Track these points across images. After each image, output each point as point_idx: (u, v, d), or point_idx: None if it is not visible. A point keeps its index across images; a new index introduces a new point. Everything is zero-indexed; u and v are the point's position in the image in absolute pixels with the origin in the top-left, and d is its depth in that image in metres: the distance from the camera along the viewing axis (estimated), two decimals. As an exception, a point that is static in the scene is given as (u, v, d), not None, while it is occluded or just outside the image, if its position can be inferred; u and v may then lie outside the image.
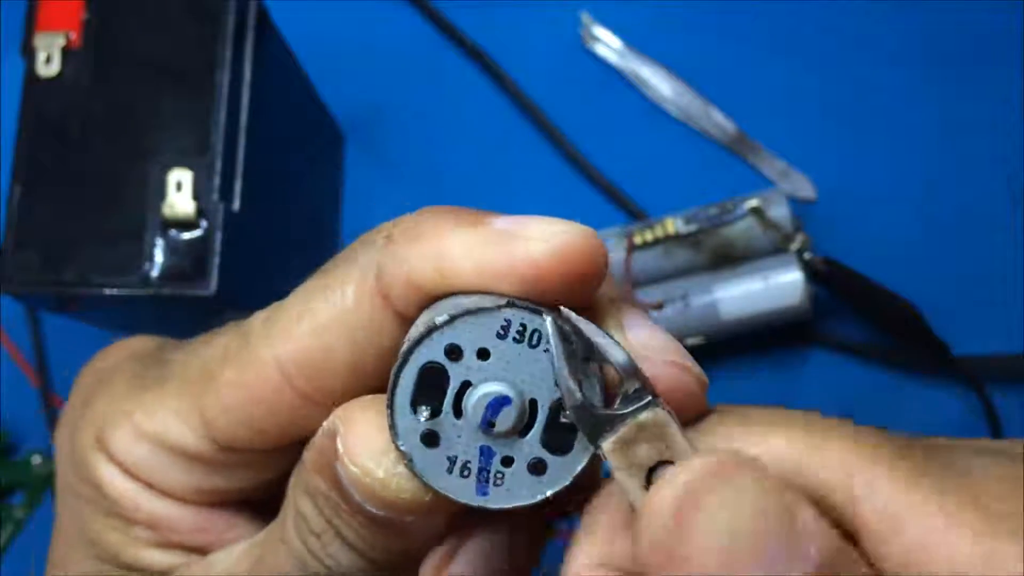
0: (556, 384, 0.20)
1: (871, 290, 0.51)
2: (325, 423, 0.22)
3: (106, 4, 0.43)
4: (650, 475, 0.19)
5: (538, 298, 0.21)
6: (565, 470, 0.21)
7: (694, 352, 0.22)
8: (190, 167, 0.41)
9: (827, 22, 0.58)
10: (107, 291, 0.41)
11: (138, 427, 0.26)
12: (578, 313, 0.20)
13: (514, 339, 0.21)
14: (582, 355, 0.20)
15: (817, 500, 0.19)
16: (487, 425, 0.21)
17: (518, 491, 0.21)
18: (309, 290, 0.24)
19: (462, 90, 0.59)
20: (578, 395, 0.20)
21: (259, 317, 0.24)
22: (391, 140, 0.59)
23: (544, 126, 0.57)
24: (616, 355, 0.20)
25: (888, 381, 0.53)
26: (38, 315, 0.56)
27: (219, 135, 0.42)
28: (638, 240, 0.52)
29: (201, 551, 0.26)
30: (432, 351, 0.21)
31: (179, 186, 0.41)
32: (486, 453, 0.21)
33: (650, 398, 0.20)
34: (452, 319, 0.20)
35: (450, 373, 0.21)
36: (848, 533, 0.19)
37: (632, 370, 0.20)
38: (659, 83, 0.58)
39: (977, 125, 0.55)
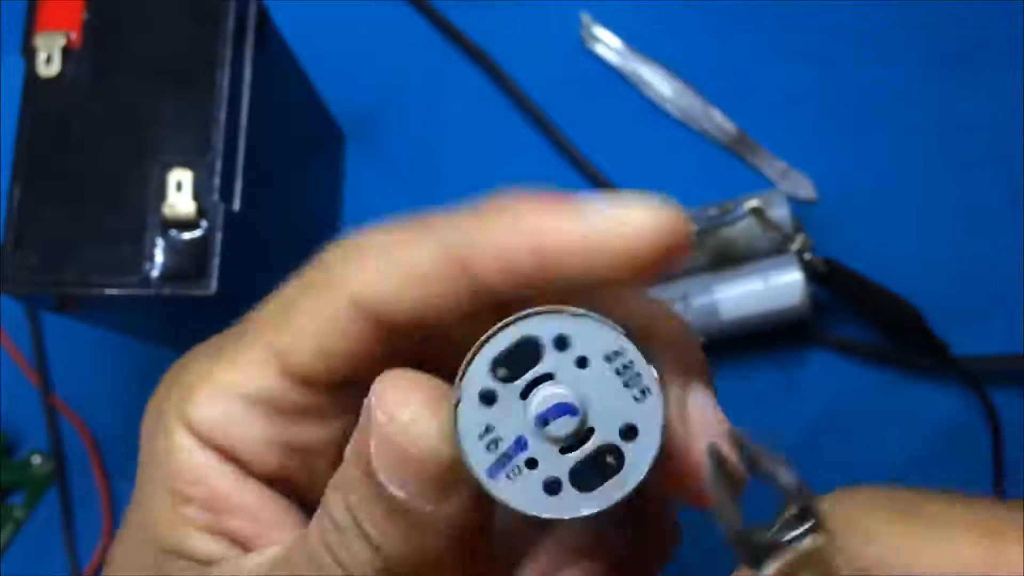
0: (715, 511, 0.20)
1: (871, 290, 0.51)
2: (365, 400, 0.22)
3: (106, 4, 0.43)
4: None
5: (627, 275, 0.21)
6: (572, 507, 0.21)
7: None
8: (190, 167, 0.41)
9: (827, 22, 0.58)
10: (107, 291, 0.41)
11: (216, 384, 0.26)
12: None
13: (616, 370, 0.21)
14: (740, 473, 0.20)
15: None
16: (541, 422, 0.21)
17: (521, 495, 0.21)
18: (393, 231, 0.24)
19: (462, 90, 0.59)
20: (736, 521, 0.19)
21: (338, 247, 0.25)
22: (391, 140, 0.59)
23: (544, 126, 0.57)
24: (786, 479, 0.19)
25: (888, 381, 0.53)
26: (38, 315, 0.56)
27: (219, 135, 0.42)
28: (638, 240, 0.52)
29: (246, 545, 0.26)
30: (547, 328, 0.21)
31: (179, 186, 0.41)
32: (520, 444, 0.21)
33: (814, 522, 0.19)
34: (586, 314, 0.20)
35: (544, 356, 0.21)
36: None
37: (800, 494, 0.19)
38: (659, 83, 0.58)
39: (977, 125, 0.55)
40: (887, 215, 0.55)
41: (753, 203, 0.51)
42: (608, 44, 0.58)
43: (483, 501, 0.21)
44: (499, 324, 0.21)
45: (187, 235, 0.41)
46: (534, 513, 0.21)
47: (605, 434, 0.21)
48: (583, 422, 0.21)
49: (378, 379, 0.22)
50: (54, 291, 0.41)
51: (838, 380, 0.53)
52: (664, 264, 0.21)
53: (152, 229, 0.41)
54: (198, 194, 0.41)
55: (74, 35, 0.43)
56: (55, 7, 0.43)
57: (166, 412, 0.27)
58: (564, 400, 0.21)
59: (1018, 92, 0.55)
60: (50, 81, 0.42)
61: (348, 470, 0.23)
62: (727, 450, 0.20)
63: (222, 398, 0.26)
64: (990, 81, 0.56)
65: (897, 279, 0.52)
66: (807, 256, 0.51)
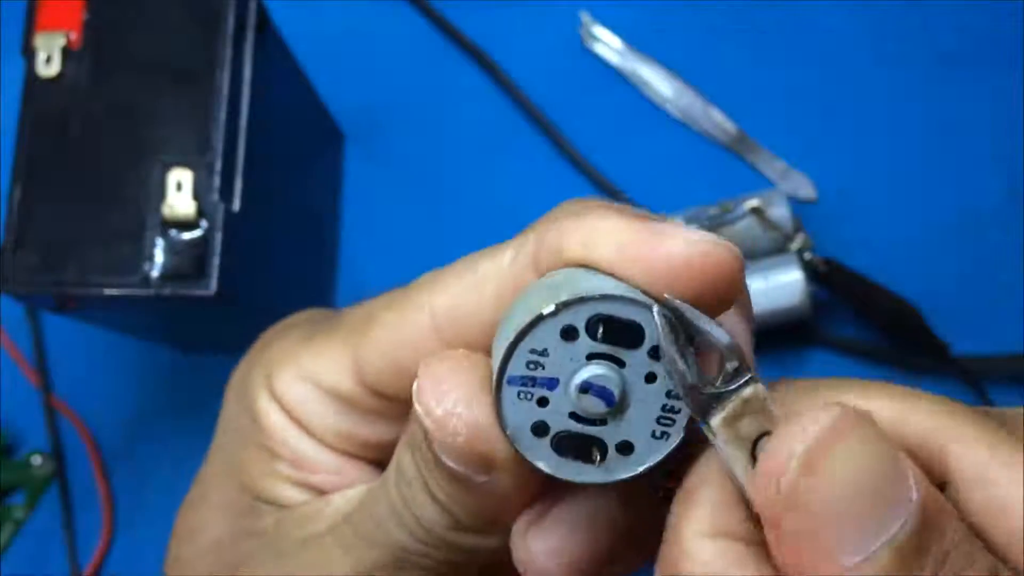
0: (664, 368, 0.22)
1: (871, 290, 0.51)
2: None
3: (106, 4, 0.43)
4: (754, 446, 0.21)
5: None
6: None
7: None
8: (190, 167, 0.41)
9: (827, 22, 0.58)
10: (107, 291, 0.41)
11: (301, 369, 0.28)
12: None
13: (664, 406, 0.22)
14: (683, 339, 0.21)
15: (911, 454, 0.21)
16: (582, 387, 0.22)
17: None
18: (477, 254, 0.25)
19: (462, 90, 0.59)
20: (688, 377, 0.21)
21: (426, 274, 0.26)
22: (391, 140, 0.59)
23: (544, 126, 0.57)
24: (720, 336, 0.21)
25: (889, 381, 0.53)
26: (38, 315, 0.56)
27: (219, 135, 0.42)
28: (638, 240, 0.52)
29: (329, 494, 0.28)
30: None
31: (179, 186, 0.41)
32: (552, 384, 0.22)
33: (750, 375, 0.21)
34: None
35: (635, 343, 0.22)
36: (938, 484, 0.21)
37: (735, 350, 0.21)
38: (659, 83, 0.58)
39: (977, 125, 0.55)
40: (887, 215, 0.55)
41: (753, 203, 0.51)
42: (608, 44, 0.58)
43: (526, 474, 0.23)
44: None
45: (187, 235, 0.41)
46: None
47: (610, 434, 0.22)
48: (607, 415, 0.22)
49: (421, 364, 0.23)
50: (54, 291, 0.41)
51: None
52: (700, 291, 0.22)
53: (152, 229, 0.41)
54: (198, 194, 0.41)
55: (74, 35, 0.43)
56: (55, 7, 0.43)
57: (255, 378, 0.29)
58: (612, 390, 0.22)
59: (1018, 92, 0.55)
60: (50, 81, 0.42)
61: (415, 430, 0.24)
62: (677, 310, 0.21)
63: (305, 383, 0.28)
64: (990, 81, 0.56)
65: (897, 279, 0.52)
66: (807, 256, 0.51)
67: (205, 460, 0.31)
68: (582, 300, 0.21)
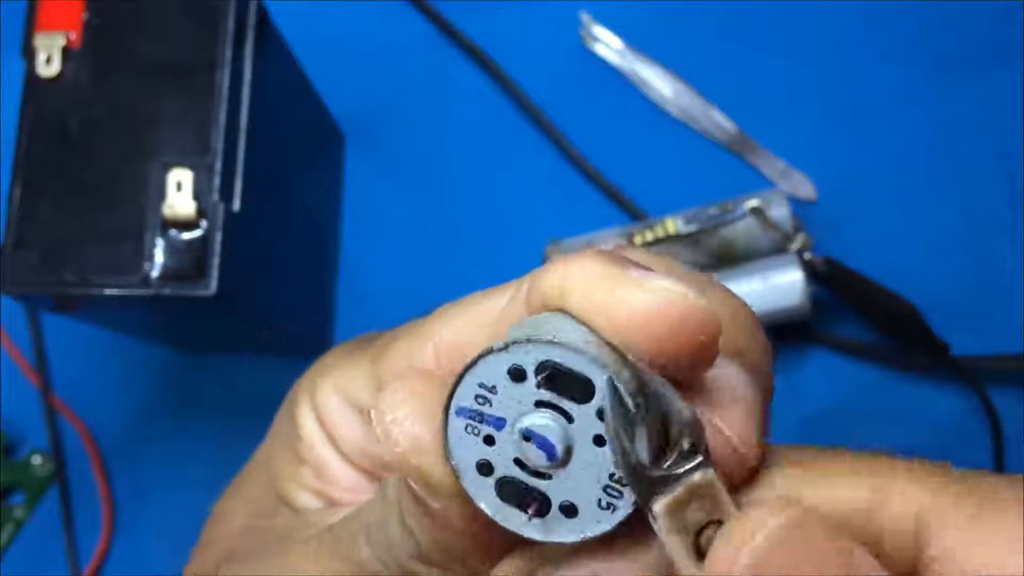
0: (611, 445, 0.20)
1: (871, 290, 0.51)
2: None
3: (106, 4, 0.43)
4: (698, 535, 0.19)
5: (623, 349, 0.21)
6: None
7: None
8: (190, 167, 0.41)
9: (827, 22, 0.58)
10: (107, 291, 0.41)
11: (336, 381, 0.29)
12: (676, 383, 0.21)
13: (611, 475, 0.20)
14: (639, 407, 0.20)
15: (882, 541, 0.21)
16: (524, 434, 0.21)
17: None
18: (487, 290, 0.25)
19: (462, 90, 0.59)
20: (632, 456, 0.19)
21: (443, 305, 0.27)
22: (391, 140, 0.59)
23: (544, 126, 0.57)
24: (682, 412, 0.20)
25: (888, 381, 0.53)
26: (38, 315, 0.56)
27: (219, 135, 0.42)
28: (638, 240, 0.52)
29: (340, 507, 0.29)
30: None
31: (179, 186, 0.41)
32: (499, 424, 0.21)
33: (701, 459, 0.19)
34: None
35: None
36: (907, 572, 0.21)
37: (694, 428, 0.19)
38: (659, 83, 0.58)
39: (977, 125, 0.55)
40: (887, 215, 0.55)
41: (753, 203, 0.51)
42: (608, 44, 0.58)
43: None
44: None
45: (187, 235, 0.41)
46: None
47: (555, 491, 0.21)
48: (549, 470, 0.21)
49: (380, 393, 0.23)
50: (54, 291, 0.41)
51: (838, 380, 0.53)
52: (664, 350, 0.21)
53: (152, 229, 0.41)
54: (198, 194, 0.41)
55: (74, 35, 0.43)
56: (55, 7, 0.43)
57: (302, 385, 0.30)
58: (554, 443, 0.21)
59: (1018, 92, 0.55)
60: (50, 81, 0.42)
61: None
62: (625, 383, 0.20)
63: (338, 395, 0.29)
64: (990, 81, 0.56)
65: (897, 279, 0.52)
66: (807, 256, 0.51)
67: (252, 454, 0.33)
68: (529, 341, 0.20)
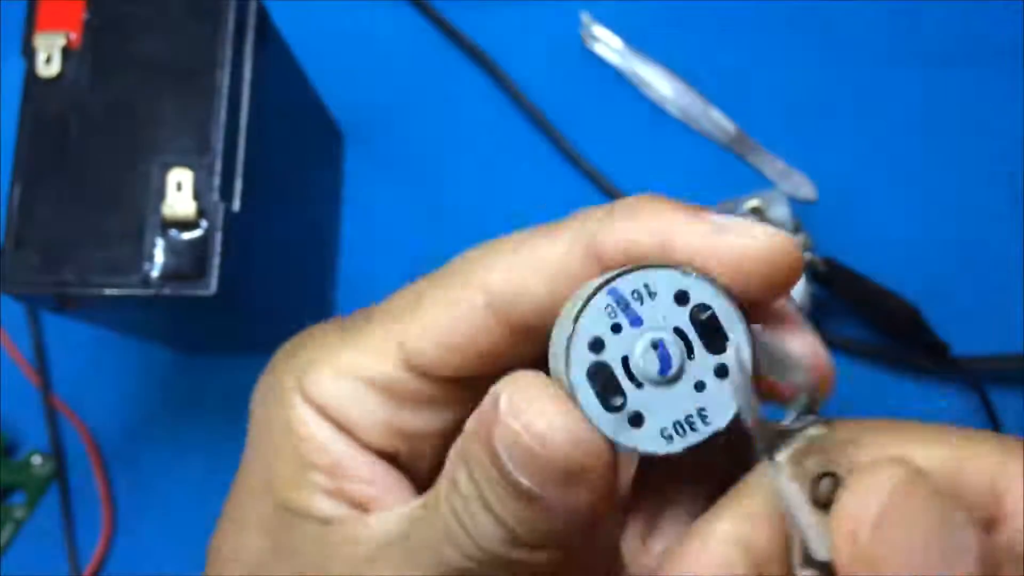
0: (736, 397, 0.22)
1: (871, 290, 0.51)
2: (491, 388, 0.23)
3: (106, 4, 0.43)
4: (814, 485, 0.22)
5: (734, 292, 0.23)
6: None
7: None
8: (190, 167, 0.41)
9: (827, 22, 0.58)
10: (107, 291, 0.41)
11: (339, 366, 0.28)
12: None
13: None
14: (765, 369, 0.22)
15: (964, 499, 0.22)
16: (665, 370, 0.22)
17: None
18: (527, 233, 0.26)
19: (462, 90, 0.59)
20: (759, 412, 0.22)
21: (472, 250, 0.27)
22: (391, 140, 0.59)
23: (544, 126, 0.57)
24: (800, 377, 0.22)
25: (888, 381, 0.53)
26: (38, 315, 0.56)
27: (219, 135, 0.42)
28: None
29: (364, 507, 0.28)
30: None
31: (179, 186, 0.41)
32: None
33: (817, 415, 0.22)
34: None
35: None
36: (987, 529, 0.22)
37: (811, 389, 0.22)
38: (659, 83, 0.58)
39: (977, 125, 0.55)
40: (887, 215, 0.55)
41: (753, 203, 0.51)
42: (608, 44, 0.58)
43: (607, 485, 0.23)
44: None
45: (187, 235, 0.41)
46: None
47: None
48: (650, 383, 0.22)
49: (507, 380, 0.23)
50: (54, 291, 0.41)
51: (838, 380, 0.53)
52: (767, 286, 0.23)
53: (152, 229, 0.41)
54: (198, 194, 0.41)
55: (74, 35, 0.43)
56: (55, 7, 0.43)
57: (285, 384, 0.29)
58: (672, 362, 0.22)
59: (1018, 92, 0.55)
60: (50, 81, 0.42)
61: (471, 446, 0.24)
62: (758, 349, 0.22)
63: (344, 378, 0.28)
64: (990, 81, 0.56)
65: (897, 279, 0.52)
66: (807, 256, 0.51)
67: (235, 479, 0.30)
68: (705, 279, 0.22)
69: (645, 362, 0.22)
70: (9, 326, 0.55)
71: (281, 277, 0.50)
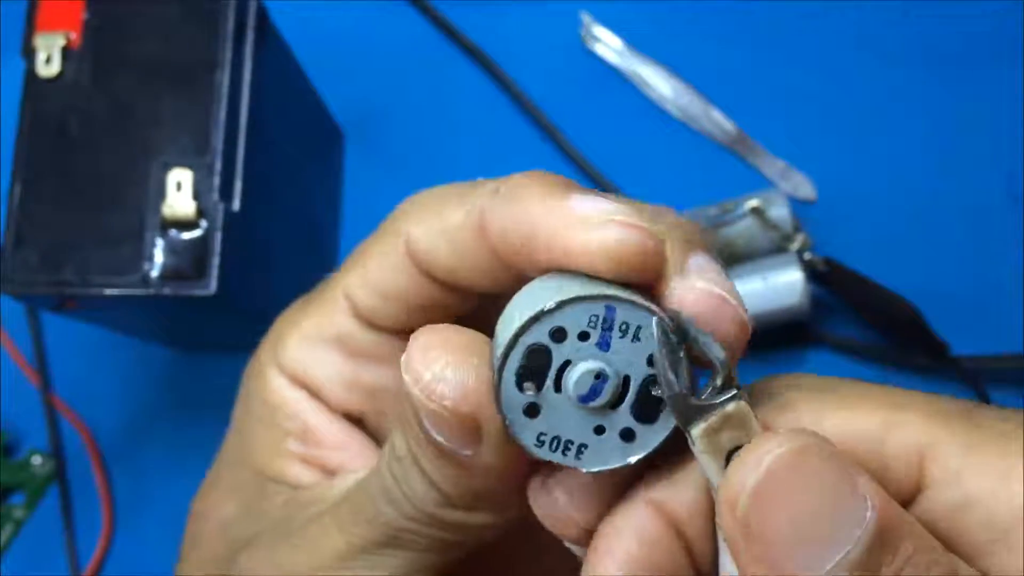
0: (653, 372, 0.22)
1: (871, 290, 0.51)
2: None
3: (106, 4, 0.43)
4: (728, 457, 0.22)
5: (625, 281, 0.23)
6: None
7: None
8: (190, 167, 0.41)
9: (827, 22, 0.58)
10: (107, 291, 0.41)
11: (301, 329, 0.29)
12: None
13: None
14: (677, 347, 0.22)
15: (888, 467, 0.22)
16: (586, 399, 0.22)
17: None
18: (455, 189, 0.27)
19: (462, 90, 0.59)
20: (676, 387, 0.22)
21: (408, 199, 0.28)
22: (391, 140, 0.59)
23: (544, 126, 0.57)
24: (716, 352, 0.22)
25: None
26: (38, 315, 0.56)
27: (219, 135, 0.42)
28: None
29: (334, 473, 0.29)
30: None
31: (179, 186, 0.41)
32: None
33: (735, 391, 0.22)
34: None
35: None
36: (910, 496, 0.22)
37: (726, 366, 0.22)
38: (659, 83, 0.58)
39: (977, 125, 0.55)
40: (887, 215, 0.55)
41: (753, 203, 0.51)
42: (608, 44, 0.58)
43: (512, 447, 0.23)
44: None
45: (187, 235, 0.41)
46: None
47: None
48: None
49: (413, 334, 0.23)
50: (54, 291, 0.41)
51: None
52: (634, 271, 0.23)
53: (152, 229, 0.41)
54: (198, 194, 0.41)
55: (74, 35, 0.43)
56: (55, 7, 0.43)
57: (262, 359, 0.30)
58: (593, 372, 0.22)
59: (1018, 92, 0.55)
60: (50, 81, 0.42)
61: (406, 407, 0.24)
62: (669, 327, 0.22)
63: (306, 341, 0.29)
64: (990, 81, 0.56)
65: (897, 279, 0.52)
66: (807, 256, 0.51)
67: (220, 449, 0.32)
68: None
69: (578, 381, 0.22)
70: (9, 326, 0.55)
71: (281, 277, 0.50)
